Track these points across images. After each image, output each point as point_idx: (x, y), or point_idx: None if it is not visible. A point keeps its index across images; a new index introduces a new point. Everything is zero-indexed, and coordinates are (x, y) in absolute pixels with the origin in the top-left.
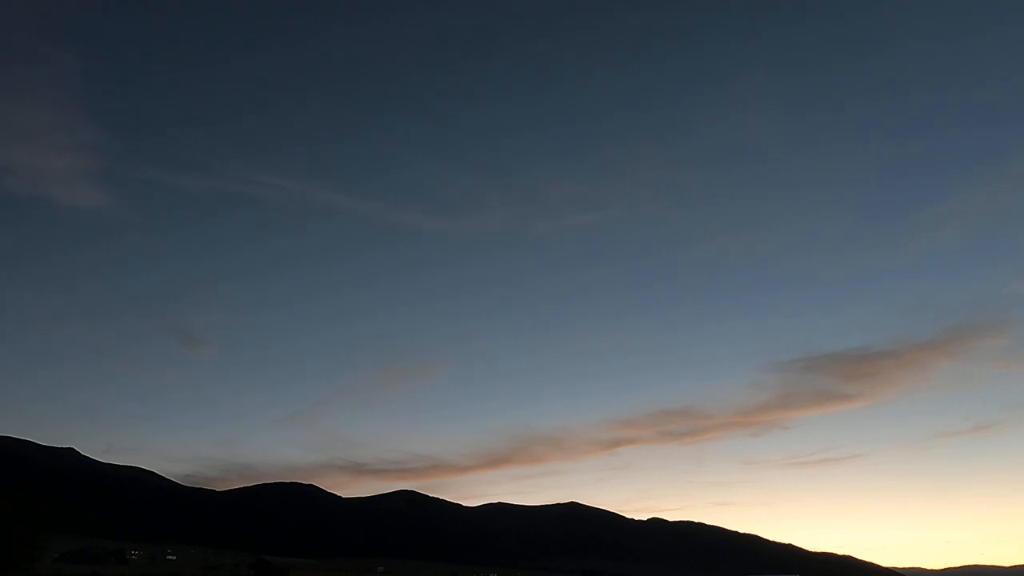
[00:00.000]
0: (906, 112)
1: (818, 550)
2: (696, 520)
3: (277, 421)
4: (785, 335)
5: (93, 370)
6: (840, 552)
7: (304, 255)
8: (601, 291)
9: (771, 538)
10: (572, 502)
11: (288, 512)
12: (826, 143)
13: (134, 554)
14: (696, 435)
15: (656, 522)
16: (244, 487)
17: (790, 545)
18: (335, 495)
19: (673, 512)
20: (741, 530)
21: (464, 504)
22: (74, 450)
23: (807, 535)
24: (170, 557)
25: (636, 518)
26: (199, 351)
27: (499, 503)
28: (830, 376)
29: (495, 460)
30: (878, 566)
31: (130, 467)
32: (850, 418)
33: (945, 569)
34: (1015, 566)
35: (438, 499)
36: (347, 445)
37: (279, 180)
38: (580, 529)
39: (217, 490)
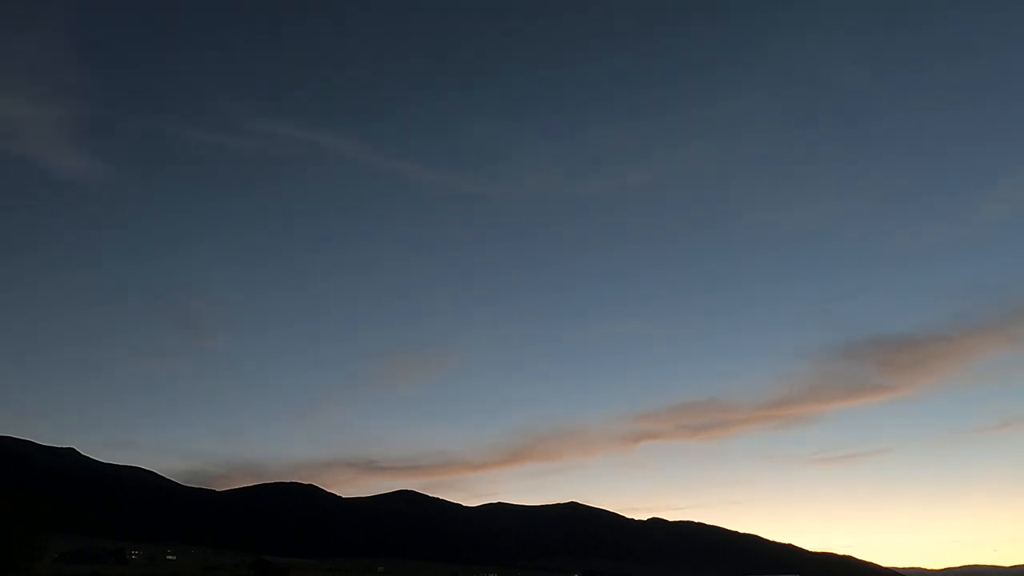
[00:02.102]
0: (963, 83)
1: (818, 550)
2: (703, 520)
3: (282, 415)
4: (824, 318)
5: (92, 364)
6: (840, 552)
7: (316, 216)
8: (620, 273)
9: (771, 538)
10: (572, 502)
11: (288, 512)
12: (878, 115)
13: (134, 554)
14: (718, 430)
15: (656, 522)
16: (244, 487)
17: (790, 545)
18: (335, 495)
19: (687, 511)
20: (742, 530)
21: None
22: (74, 450)
23: (807, 535)
24: (170, 557)
25: (636, 518)
26: (203, 339)
27: (499, 503)
28: (868, 364)
29: (508, 457)
30: (878, 566)
31: (130, 467)
32: (883, 411)
33: (945, 569)
34: (1015, 566)
35: (438, 499)
36: (356, 440)
37: (284, 129)
38: (580, 529)
39: (217, 490)
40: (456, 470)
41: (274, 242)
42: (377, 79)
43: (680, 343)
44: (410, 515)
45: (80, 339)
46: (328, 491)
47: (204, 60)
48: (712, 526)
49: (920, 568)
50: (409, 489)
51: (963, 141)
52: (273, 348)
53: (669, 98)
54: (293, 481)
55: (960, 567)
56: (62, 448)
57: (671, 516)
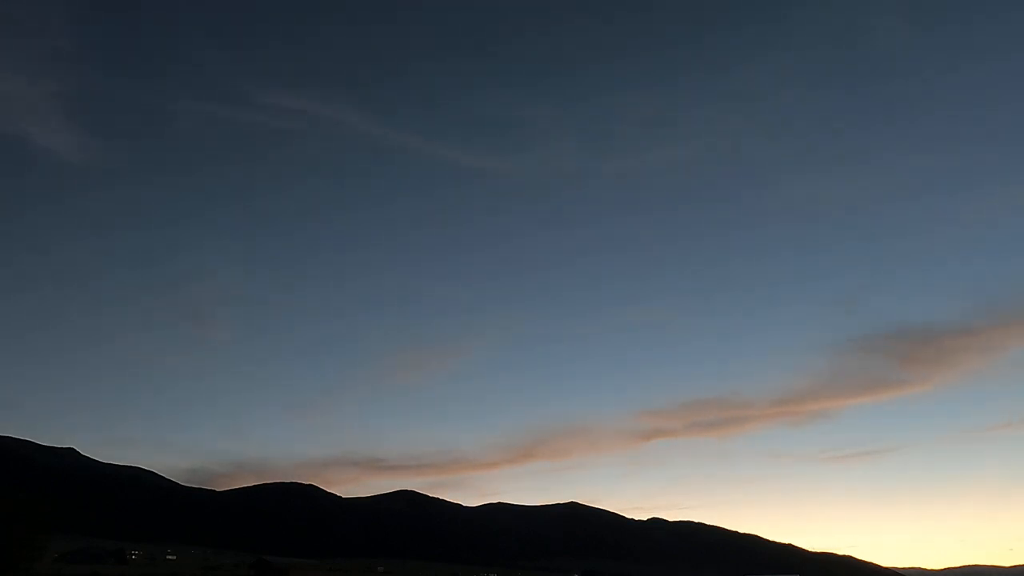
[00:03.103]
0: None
1: (819, 550)
2: (704, 520)
3: (285, 413)
4: (843, 310)
5: (92, 363)
6: (841, 552)
7: (320, 204)
8: (629, 259)
9: (771, 538)
10: (572, 502)
11: (288, 512)
12: (910, 90)
13: (134, 554)
14: (729, 427)
15: (656, 522)
16: (244, 487)
17: (790, 545)
18: (335, 495)
19: (694, 510)
20: (742, 530)
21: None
22: (74, 450)
23: (814, 534)
24: (170, 557)
25: (636, 518)
26: (203, 337)
27: (499, 503)
28: (886, 359)
29: (516, 455)
30: (878, 566)
31: (130, 467)
32: (898, 407)
33: (945, 569)
34: (1015, 566)
35: (438, 499)
36: (361, 438)
37: (287, 101)
38: (580, 529)
39: (217, 490)
40: (462, 469)
41: (273, 239)
42: (390, 50)
43: (693, 335)
44: (410, 515)
45: (80, 338)
46: (328, 491)
47: (204, 30)
48: (712, 526)
49: (920, 568)
50: (410, 489)
51: (998, 124)
52: (275, 345)
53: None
54: (293, 481)
55: (960, 567)
56: (62, 448)
57: (674, 516)
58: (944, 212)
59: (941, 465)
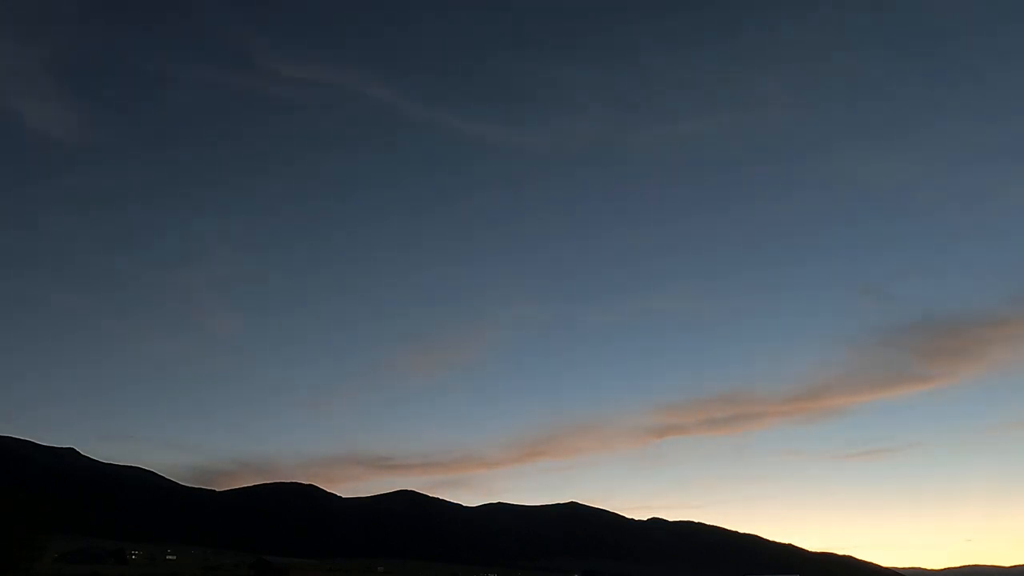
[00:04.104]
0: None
1: (819, 550)
2: (704, 520)
3: (287, 411)
4: (867, 299)
5: (91, 363)
6: (842, 552)
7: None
8: (643, 244)
9: (771, 538)
10: (572, 502)
11: (288, 512)
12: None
13: (134, 554)
14: (743, 424)
15: (656, 522)
16: (244, 487)
17: (790, 545)
18: (335, 495)
19: (702, 510)
20: (742, 530)
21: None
22: (74, 450)
23: (819, 534)
24: (170, 557)
25: (636, 518)
26: (203, 335)
27: (499, 503)
28: (912, 350)
29: (524, 453)
30: (878, 566)
31: (130, 467)
32: (921, 402)
33: (945, 569)
34: (1015, 566)
35: (438, 499)
36: (366, 436)
37: (295, 70)
38: (580, 529)
39: (217, 490)
40: (469, 467)
41: (273, 234)
42: (402, 11)
43: (710, 324)
44: (410, 515)
45: (79, 338)
46: (328, 491)
47: None
48: (712, 526)
49: (920, 568)
50: (415, 488)
51: None
52: (279, 339)
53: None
54: (293, 481)
55: (960, 567)
56: (62, 448)
57: (684, 517)
58: (977, 196)
59: (959, 463)
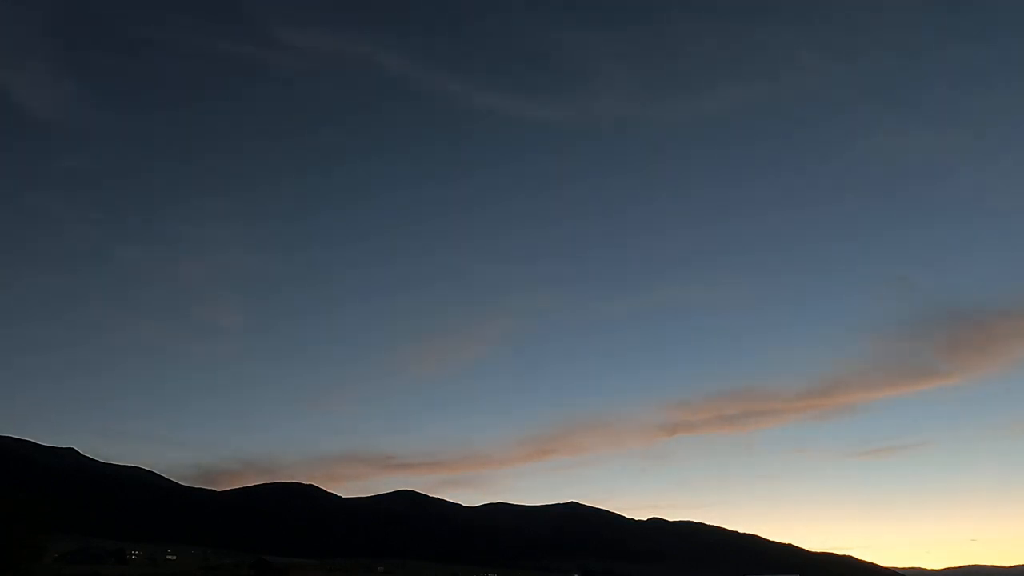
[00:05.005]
0: None
1: (818, 550)
2: (705, 520)
3: (289, 409)
4: (887, 289)
5: (91, 362)
6: (843, 552)
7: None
8: (651, 233)
9: (771, 538)
10: (572, 502)
11: (288, 512)
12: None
13: (134, 554)
14: (753, 421)
15: (656, 522)
16: (244, 487)
17: (790, 545)
18: (335, 495)
19: (707, 509)
20: (742, 530)
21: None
22: (74, 450)
23: (821, 534)
24: (170, 557)
25: (636, 518)
26: (204, 335)
27: (499, 503)
28: (931, 344)
29: (531, 452)
30: (878, 566)
31: (130, 467)
32: (937, 398)
33: (945, 569)
34: (1015, 566)
35: (438, 499)
36: (371, 433)
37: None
38: (580, 529)
39: (217, 490)
40: (474, 466)
41: (269, 241)
42: None
43: (723, 316)
44: (410, 515)
45: (79, 337)
46: (328, 491)
47: None
48: (712, 526)
49: (920, 568)
50: (414, 488)
51: None
52: (278, 341)
53: None
54: (294, 481)
55: (960, 567)
56: (62, 448)
57: (680, 515)
58: (1002, 184)
59: (967, 462)
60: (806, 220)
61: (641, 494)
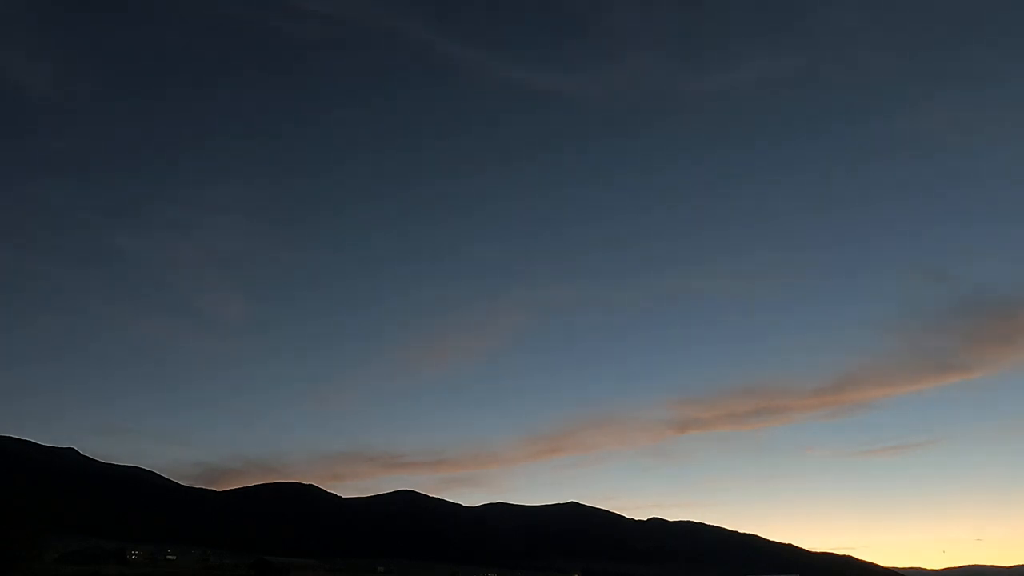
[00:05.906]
0: None
1: (818, 550)
2: (704, 520)
3: (290, 408)
4: (908, 279)
5: (91, 362)
6: (840, 552)
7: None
8: (662, 224)
9: (771, 538)
10: (572, 502)
11: (288, 512)
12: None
13: (134, 554)
14: (764, 419)
15: (656, 522)
16: (244, 487)
17: (790, 545)
18: (335, 495)
19: (718, 508)
20: (742, 530)
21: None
22: (74, 450)
23: (822, 534)
24: (170, 557)
25: (636, 518)
26: (204, 335)
27: (499, 503)
28: (960, 335)
29: (538, 450)
30: (878, 566)
31: (130, 467)
32: (949, 397)
33: (945, 569)
34: (1015, 566)
35: (438, 499)
36: (373, 431)
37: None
38: (580, 529)
39: (217, 490)
40: (479, 464)
41: (271, 230)
42: None
43: (737, 309)
44: (410, 515)
45: (79, 336)
46: (328, 491)
47: None
48: (712, 526)
49: (920, 568)
50: (416, 488)
51: None
52: (279, 340)
53: None
54: (294, 481)
55: (960, 567)
56: (62, 448)
57: (683, 515)
58: None
59: (974, 461)
60: (822, 217)
61: (645, 493)
